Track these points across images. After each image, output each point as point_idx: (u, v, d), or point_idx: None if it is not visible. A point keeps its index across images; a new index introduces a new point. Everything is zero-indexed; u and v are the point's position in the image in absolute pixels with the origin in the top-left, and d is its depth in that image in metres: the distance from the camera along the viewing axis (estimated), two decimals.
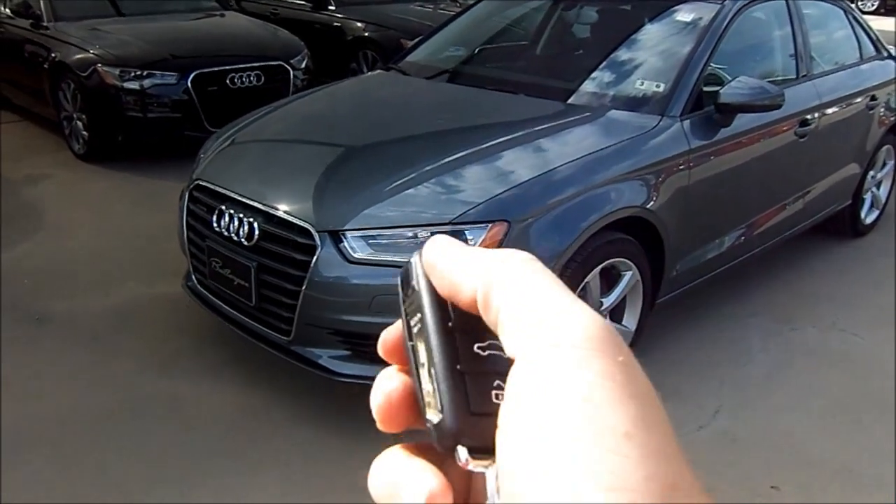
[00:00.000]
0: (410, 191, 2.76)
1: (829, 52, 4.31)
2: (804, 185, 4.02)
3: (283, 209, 2.79)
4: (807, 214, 4.15)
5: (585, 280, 2.84)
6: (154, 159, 5.93)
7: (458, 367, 0.32)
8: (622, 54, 3.61)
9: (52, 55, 6.04)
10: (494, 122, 3.34)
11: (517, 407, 0.30)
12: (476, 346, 0.32)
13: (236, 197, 2.95)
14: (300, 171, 3.03)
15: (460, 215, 2.61)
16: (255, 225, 2.83)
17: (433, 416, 0.31)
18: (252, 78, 6.03)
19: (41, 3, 6.44)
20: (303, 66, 6.48)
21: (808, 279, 4.28)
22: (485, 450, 0.30)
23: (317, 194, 2.83)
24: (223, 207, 2.97)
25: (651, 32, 3.69)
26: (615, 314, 3.11)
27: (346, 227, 2.66)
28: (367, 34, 7.69)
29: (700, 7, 3.62)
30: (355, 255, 2.63)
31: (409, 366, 0.33)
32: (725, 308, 3.89)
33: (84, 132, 5.90)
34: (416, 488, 0.32)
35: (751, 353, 3.51)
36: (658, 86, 3.30)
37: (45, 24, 6.32)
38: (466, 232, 2.61)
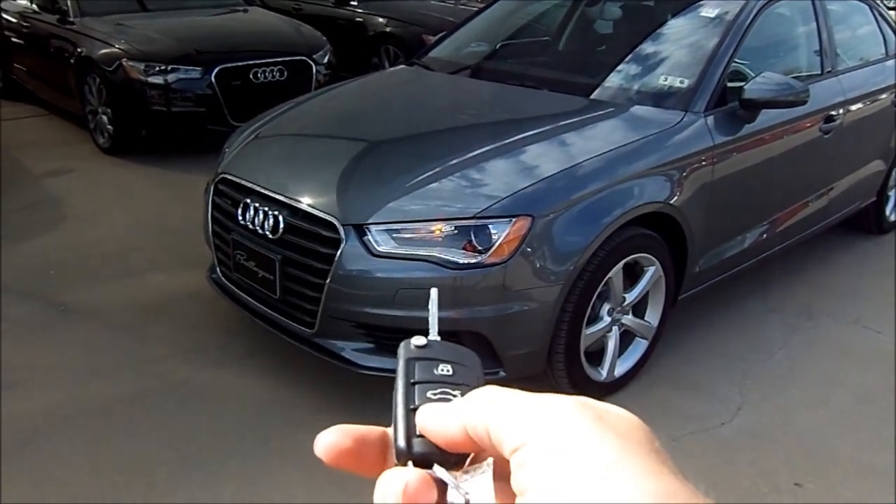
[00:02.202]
0: (434, 185, 2.78)
1: (854, 48, 4.27)
2: (828, 182, 4.00)
3: (307, 203, 2.82)
4: (831, 211, 4.12)
5: (608, 275, 2.85)
6: (178, 153, 5.99)
7: (411, 406, 0.43)
8: (645, 49, 3.60)
9: (78, 50, 6.11)
10: (518, 117, 3.35)
11: (535, 466, 0.37)
12: (429, 392, 0.43)
13: (261, 190, 2.98)
14: (325, 165, 3.05)
15: (484, 209, 2.63)
16: (280, 218, 2.85)
17: (398, 441, 0.42)
18: (275, 73, 6.07)
19: None
20: (325, 61, 6.51)
21: (831, 275, 4.26)
22: (428, 463, 0.41)
23: (341, 188, 2.85)
24: (248, 201, 2.99)
25: (675, 28, 3.68)
26: (638, 309, 3.11)
27: (370, 221, 2.68)
28: (388, 29, 7.72)
29: (724, 3, 3.60)
30: (379, 249, 2.65)
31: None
32: (748, 303, 3.88)
33: (109, 126, 5.97)
34: (396, 482, 0.40)
35: (772, 348, 3.51)
36: (682, 81, 3.30)
37: (71, 19, 6.39)
38: (490, 226, 2.62)
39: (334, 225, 2.71)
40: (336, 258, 2.67)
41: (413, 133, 3.30)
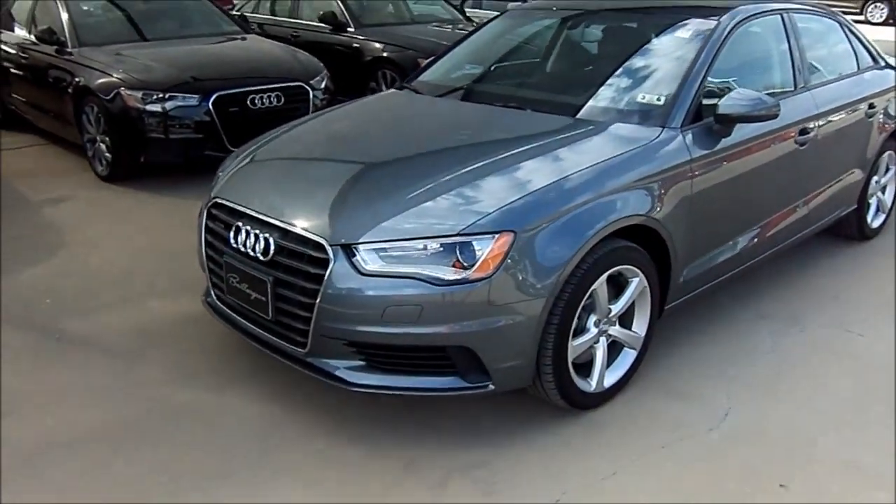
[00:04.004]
0: (420, 204, 2.85)
1: (826, 63, 4.40)
2: (807, 192, 4.10)
3: (297, 224, 2.90)
4: (812, 219, 4.22)
5: (592, 287, 2.93)
6: (176, 179, 6.10)
7: None
8: (625, 70, 3.70)
9: (76, 79, 6.24)
10: (501, 137, 3.44)
11: None
12: None
13: (252, 213, 3.07)
14: (313, 188, 3.14)
15: (467, 226, 2.71)
16: (271, 240, 2.94)
17: None
18: (272, 99, 6.20)
19: (65, 29, 6.66)
20: (322, 86, 6.66)
21: (817, 281, 4.37)
22: None
23: (330, 209, 2.93)
24: (240, 224, 3.08)
25: (652, 49, 3.78)
26: (625, 320, 3.20)
27: (358, 241, 2.76)
28: (385, 54, 7.87)
29: (698, 23, 3.73)
30: (367, 268, 2.73)
31: None
32: (737, 310, 3.98)
33: (107, 154, 6.08)
34: None
35: (760, 353, 3.59)
36: (659, 98, 3.40)
37: (69, 49, 6.53)
38: (474, 242, 2.71)
39: (323, 245, 2.79)
40: (325, 278, 2.75)
41: (399, 155, 3.39)
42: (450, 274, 2.69)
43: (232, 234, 3.12)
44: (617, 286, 3.13)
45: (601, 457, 2.87)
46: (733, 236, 3.64)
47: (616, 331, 3.15)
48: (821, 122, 4.04)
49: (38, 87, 6.91)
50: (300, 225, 2.90)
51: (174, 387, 3.32)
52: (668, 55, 3.71)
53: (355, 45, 8.18)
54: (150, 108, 5.83)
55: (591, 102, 3.55)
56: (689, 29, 3.74)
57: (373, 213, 2.87)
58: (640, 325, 3.24)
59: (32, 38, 6.98)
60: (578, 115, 3.48)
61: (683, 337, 3.71)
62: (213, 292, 3.37)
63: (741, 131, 3.47)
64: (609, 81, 3.68)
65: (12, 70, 7.28)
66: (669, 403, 3.20)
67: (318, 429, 3.04)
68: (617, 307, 3.11)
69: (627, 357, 3.24)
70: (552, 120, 3.48)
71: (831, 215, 4.44)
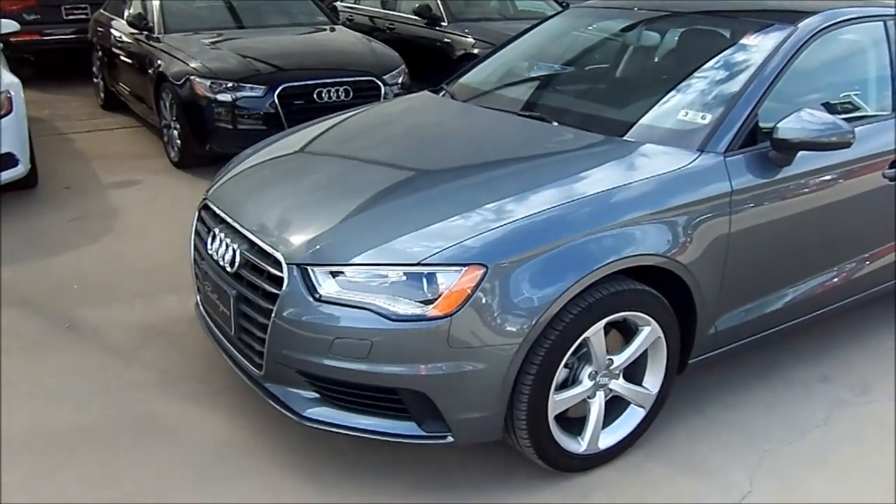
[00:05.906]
0: (393, 225, 2.53)
1: None
2: None
3: (261, 237, 2.66)
4: None
5: (584, 335, 2.51)
6: None
7: None
8: (677, 84, 3.18)
9: (157, 64, 6.29)
10: (514, 155, 3.04)
11: None
12: None
13: (229, 220, 2.87)
14: (294, 199, 2.87)
15: (429, 256, 2.36)
16: (238, 251, 2.72)
17: None
18: (340, 93, 6.02)
19: (154, 14, 6.76)
20: (399, 81, 6.42)
21: None
22: None
23: (301, 223, 2.66)
24: (217, 230, 2.88)
25: (717, 60, 3.22)
26: (634, 373, 2.75)
27: (316, 262, 2.48)
28: (475, 51, 7.57)
29: (771, 30, 3.17)
30: (322, 293, 2.44)
31: None
32: (791, 369, 3.40)
33: (178, 140, 6.09)
34: None
35: (809, 426, 3.02)
36: (703, 117, 2.90)
37: (156, 35, 6.61)
38: (438, 275, 2.36)
39: (281, 263, 2.53)
40: (279, 298, 2.49)
41: (396, 167, 3.05)
42: (406, 308, 2.35)
43: (210, 239, 2.92)
44: (627, 333, 2.70)
45: None
46: (787, 285, 3.08)
47: (619, 385, 2.71)
48: None
49: (130, 72, 7.06)
50: (266, 238, 2.65)
51: (154, 392, 3.18)
52: (731, 67, 3.16)
53: (447, 39, 7.92)
54: (219, 97, 5.79)
55: (628, 119, 3.06)
56: (761, 37, 3.19)
57: (344, 232, 2.57)
58: (652, 381, 2.78)
59: (124, 22, 7.12)
60: (605, 132, 3.01)
61: (717, 396, 3.19)
62: (197, 297, 3.20)
63: (807, 161, 2.91)
64: (653, 96, 3.18)
65: (115, 54, 7.47)
66: (676, 477, 2.72)
67: (277, 458, 2.79)
68: (620, 359, 2.67)
69: (634, 416, 2.79)
70: (577, 137, 3.04)
71: None
